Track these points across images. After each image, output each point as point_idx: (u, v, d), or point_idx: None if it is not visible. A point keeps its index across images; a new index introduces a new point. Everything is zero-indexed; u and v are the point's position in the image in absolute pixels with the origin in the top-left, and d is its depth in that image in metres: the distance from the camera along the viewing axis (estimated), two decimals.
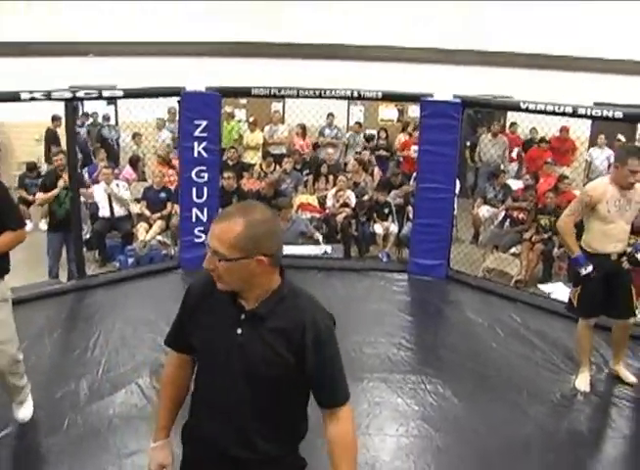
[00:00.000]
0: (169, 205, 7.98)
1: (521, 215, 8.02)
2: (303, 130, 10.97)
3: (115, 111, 11.81)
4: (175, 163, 8.88)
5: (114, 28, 11.17)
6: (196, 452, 2.01)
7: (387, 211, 8.37)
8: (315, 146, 11.20)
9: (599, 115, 5.19)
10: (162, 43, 11.28)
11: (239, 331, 1.86)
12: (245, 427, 1.88)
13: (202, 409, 1.97)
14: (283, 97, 7.15)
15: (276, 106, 12.05)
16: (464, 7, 11.50)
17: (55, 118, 9.99)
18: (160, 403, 2.13)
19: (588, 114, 5.30)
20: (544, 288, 6.72)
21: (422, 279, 6.24)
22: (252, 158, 10.74)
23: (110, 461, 3.35)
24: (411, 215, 7.38)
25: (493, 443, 3.68)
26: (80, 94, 5.60)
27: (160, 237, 7.84)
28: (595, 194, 4.16)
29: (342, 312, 4.94)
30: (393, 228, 8.27)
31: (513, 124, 11.52)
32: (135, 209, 8.15)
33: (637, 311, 4.68)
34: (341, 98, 6.43)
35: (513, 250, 7.75)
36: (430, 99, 6.13)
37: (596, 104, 6.44)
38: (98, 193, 7.88)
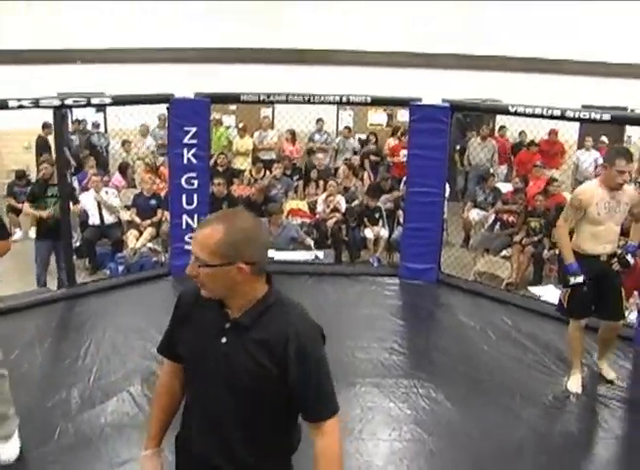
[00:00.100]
0: (159, 212, 7.93)
1: (511, 218, 8.05)
2: (293, 136, 10.96)
3: (104, 118, 11.77)
4: (162, 170, 8.88)
5: (105, 35, 11.15)
6: (186, 465, 2.01)
7: (377, 215, 8.38)
8: (310, 151, 11.18)
9: (587, 117, 5.20)
10: (150, 49, 11.25)
11: (223, 340, 1.83)
12: (227, 437, 1.86)
13: (191, 419, 1.96)
14: (272, 103, 7.13)
15: (265, 111, 12.04)
16: (450, 11, 11.54)
17: (45, 126, 9.94)
18: (152, 413, 2.12)
19: (576, 116, 5.30)
20: (535, 290, 6.71)
21: (413, 283, 6.25)
22: (242, 164, 10.71)
23: None
24: (401, 220, 7.39)
25: (486, 446, 3.68)
26: (69, 101, 5.58)
27: (150, 244, 7.80)
28: (585, 197, 4.18)
29: (333, 318, 5.00)
30: (384, 233, 8.27)
31: (502, 128, 11.56)
32: (125, 216, 8.12)
33: (626, 313, 4.71)
34: (330, 103, 6.43)
35: (503, 253, 7.77)
36: (419, 103, 6.14)
37: (584, 107, 6.46)
38: (87, 201, 7.84)
